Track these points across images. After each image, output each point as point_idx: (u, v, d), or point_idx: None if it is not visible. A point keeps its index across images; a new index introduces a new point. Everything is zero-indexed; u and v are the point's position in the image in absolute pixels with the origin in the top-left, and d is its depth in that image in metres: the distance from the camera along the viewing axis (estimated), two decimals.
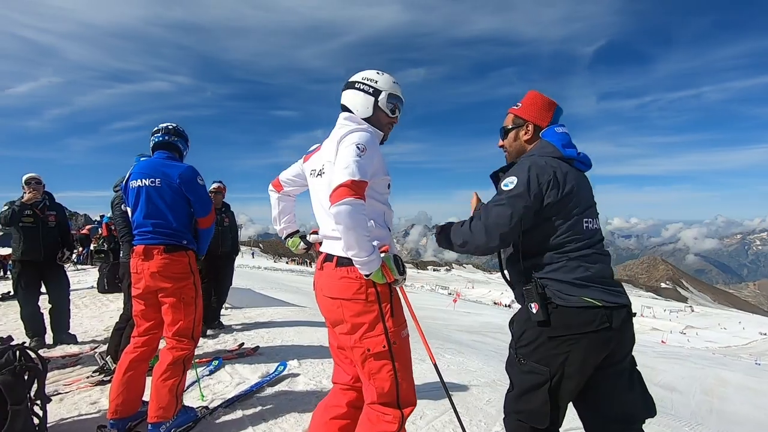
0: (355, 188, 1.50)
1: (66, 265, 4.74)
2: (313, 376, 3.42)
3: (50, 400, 2.35)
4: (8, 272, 12.90)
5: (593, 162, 1.80)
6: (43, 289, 4.51)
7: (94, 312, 6.24)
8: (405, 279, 1.69)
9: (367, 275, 1.57)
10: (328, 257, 1.73)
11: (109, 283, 7.83)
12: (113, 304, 6.80)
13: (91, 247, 13.99)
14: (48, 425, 2.33)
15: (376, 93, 1.83)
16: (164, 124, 2.71)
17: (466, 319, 19.19)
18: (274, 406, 2.86)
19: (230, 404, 2.83)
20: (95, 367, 3.54)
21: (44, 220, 4.35)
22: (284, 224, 2.20)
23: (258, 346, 4.15)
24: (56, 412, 2.75)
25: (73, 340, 4.44)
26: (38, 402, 2.24)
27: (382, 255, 1.61)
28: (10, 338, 2.52)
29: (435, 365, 2.04)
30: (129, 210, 2.66)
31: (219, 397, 2.99)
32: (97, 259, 11.20)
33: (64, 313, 4.54)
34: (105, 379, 3.26)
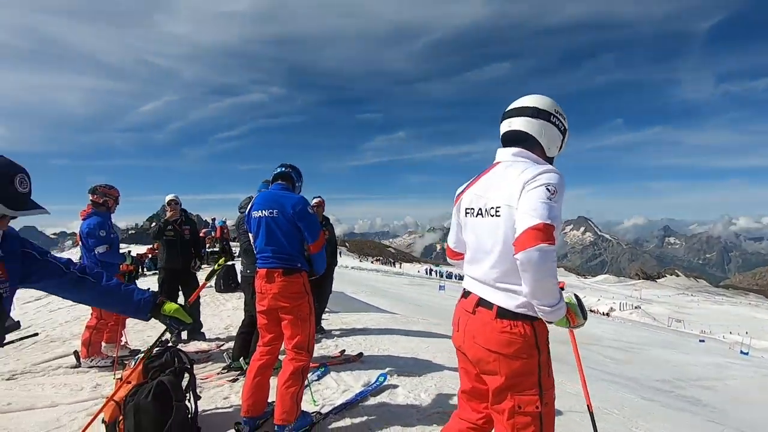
0: (547, 233, 1.38)
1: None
2: (411, 389, 3.58)
3: (200, 397, 2.80)
4: (144, 269, 15.19)
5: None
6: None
7: (213, 310, 7.11)
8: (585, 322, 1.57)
9: (549, 322, 1.48)
10: (484, 303, 1.63)
11: (224, 284, 8.85)
12: (229, 303, 7.68)
13: (207, 249, 15.87)
14: (198, 415, 2.79)
15: (564, 132, 1.71)
16: (284, 163, 3.09)
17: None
18: (378, 417, 3.07)
19: (339, 411, 3.10)
20: (223, 365, 4.09)
21: (181, 234, 5.12)
22: None
23: (362, 354, 4.42)
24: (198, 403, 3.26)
25: (202, 337, 5.16)
26: (189, 397, 2.71)
27: (565, 297, 1.50)
28: (167, 341, 3.06)
29: (591, 416, 2.03)
30: (251, 235, 3.07)
31: (328, 402, 3.29)
32: (211, 260, 12.67)
33: (197, 314, 5.29)
34: (236, 376, 3.77)
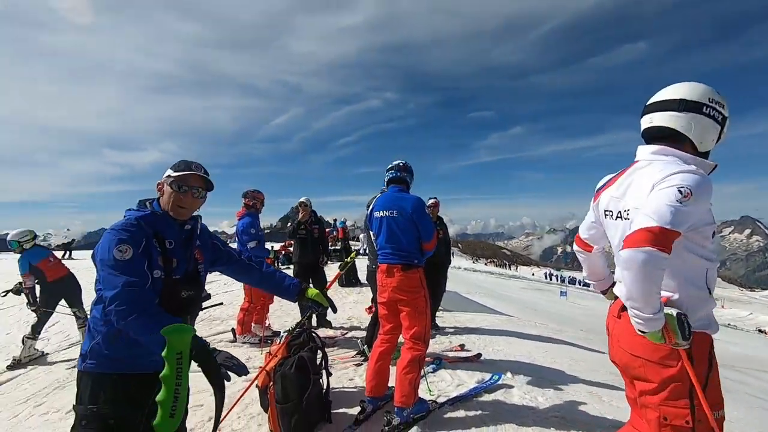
0: (661, 238, 1.29)
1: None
2: (527, 391, 3.53)
3: (331, 374, 3.20)
4: (279, 264, 17.21)
5: None
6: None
7: (337, 302, 7.80)
8: (689, 345, 1.40)
9: (641, 332, 1.40)
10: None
11: (346, 279, 9.62)
12: (350, 297, 8.34)
13: (330, 247, 17.35)
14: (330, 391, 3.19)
15: (723, 121, 1.54)
16: (396, 162, 3.32)
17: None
18: (492, 413, 3.11)
19: (453, 403, 3.23)
20: (351, 350, 4.53)
21: (311, 233, 5.78)
22: (595, 283, 2.11)
23: (480, 354, 4.48)
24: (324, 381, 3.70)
25: (329, 325, 5.75)
26: (326, 373, 3.12)
27: (667, 311, 1.39)
28: (303, 323, 3.54)
29: None
30: (373, 233, 3.37)
31: (443, 394, 3.44)
32: (333, 257, 13.80)
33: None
34: (360, 361, 4.17)
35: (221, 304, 3.09)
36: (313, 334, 3.37)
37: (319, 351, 3.15)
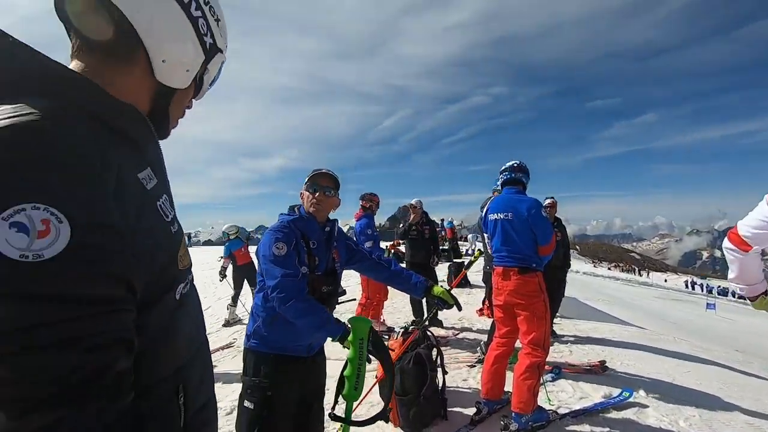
0: None
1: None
2: (667, 413, 3.16)
3: (447, 372, 3.28)
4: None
5: None
6: None
7: None
8: None
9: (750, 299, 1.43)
10: None
11: (455, 278, 9.60)
12: (459, 298, 8.27)
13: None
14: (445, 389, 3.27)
15: None
16: (510, 163, 3.24)
17: None
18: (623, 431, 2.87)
19: (577, 416, 3.05)
20: (463, 351, 4.56)
21: (422, 233, 5.92)
22: (746, 288, 1.94)
23: (605, 362, 4.15)
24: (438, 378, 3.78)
25: (440, 324, 5.83)
26: (442, 370, 3.21)
27: None
28: (418, 321, 3.68)
29: None
30: (487, 236, 3.35)
31: (564, 405, 3.26)
32: (443, 258, 13.85)
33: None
34: (473, 362, 4.17)
35: (354, 299, 3.38)
36: (428, 332, 3.48)
37: (434, 348, 3.25)
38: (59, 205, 0.45)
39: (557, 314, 6.28)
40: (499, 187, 3.34)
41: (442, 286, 2.14)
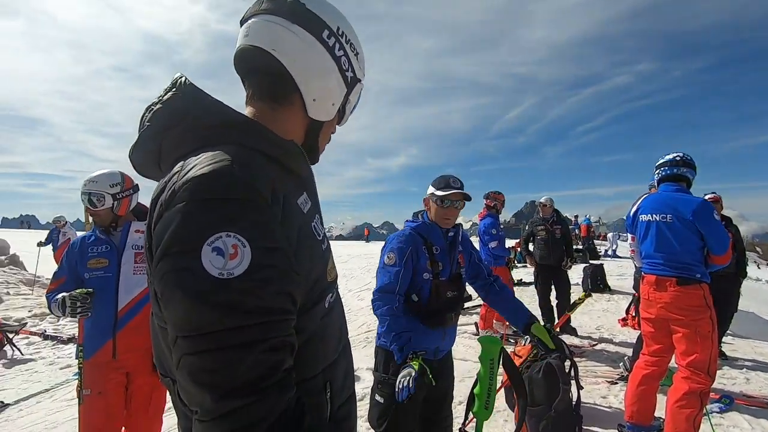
0: None
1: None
2: None
3: (582, 387, 3.01)
4: (517, 261, 17.02)
5: None
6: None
7: (583, 309, 7.13)
8: None
9: None
10: None
11: (591, 283, 8.70)
12: (597, 305, 7.49)
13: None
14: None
15: None
16: (670, 156, 2.78)
17: None
18: None
19: None
20: (601, 364, 4.12)
21: (553, 233, 5.51)
22: None
23: None
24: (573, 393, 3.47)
25: (574, 332, 5.36)
26: (576, 385, 2.96)
27: None
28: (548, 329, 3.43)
29: None
30: (633, 236, 2.95)
31: None
32: (577, 258, 12.66)
33: (566, 308, 5.54)
34: (615, 379, 3.75)
35: (480, 306, 3.33)
36: (562, 342, 3.23)
37: (567, 360, 3.00)
38: (243, 232, 0.57)
39: (727, 332, 5.25)
40: (656, 184, 2.92)
41: (545, 326, 2.03)
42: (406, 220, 2.12)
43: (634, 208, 2.89)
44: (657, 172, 2.83)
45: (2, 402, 3.72)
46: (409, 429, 1.90)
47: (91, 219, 2.23)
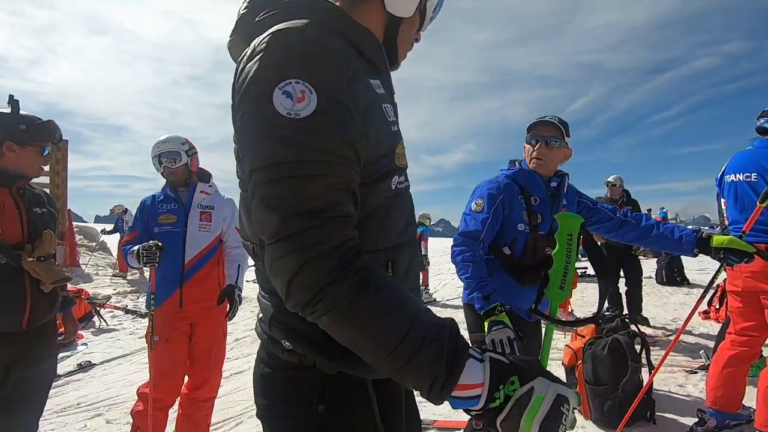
0: None
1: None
2: None
3: (653, 366, 2.74)
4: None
5: None
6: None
7: (657, 301, 6.56)
8: None
9: None
10: None
11: (666, 276, 7.97)
12: (673, 297, 6.85)
13: None
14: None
15: None
16: None
17: None
18: None
19: None
20: (677, 354, 3.75)
21: None
22: None
23: None
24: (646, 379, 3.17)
25: (646, 322, 4.93)
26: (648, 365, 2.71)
27: None
28: (615, 309, 3.18)
29: None
30: (724, 201, 2.62)
31: None
32: (649, 252, 11.66)
33: (637, 298, 5.11)
34: (695, 369, 3.41)
35: (586, 269, 3.11)
36: (628, 321, 2.98)
37: (638, 338, 2.75)
38: (312, 81, 0.62)
39: None
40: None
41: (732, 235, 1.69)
42: (501, 169, 1.91)
43: (722, 169, 2.57)
44: (758, 121, 2.49)
45: (90, 362, 4.14)
46: None
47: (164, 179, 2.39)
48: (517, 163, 1.88)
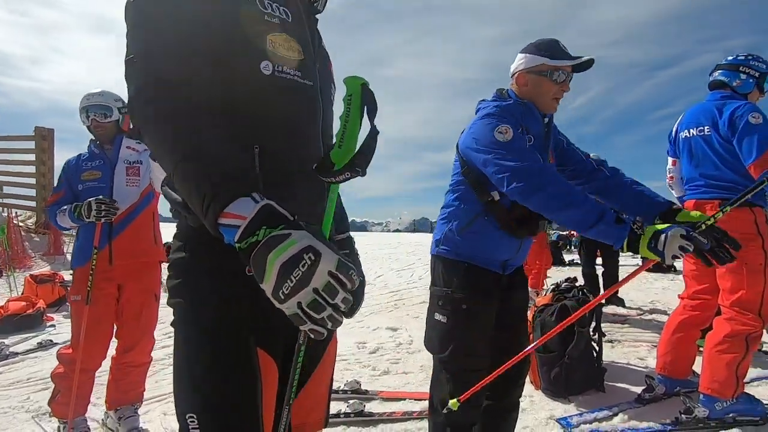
0: None
1: None
2: None
3: (605, 335, 2.66)
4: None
5: None
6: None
7: (639, 286, 6.42)
8: None
9: None
10: None
11: (655, 265, 7.85)
12: (657, 283, 6.74)
13: None
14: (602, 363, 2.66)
15: None
16: (731, 56, 2.33)
17: None
18: None
19: None
20: (647, 331, 3.67)
21: None
22: None
23: None
24: (608, 354, 3.08)
25: (621, 303, 4.84)
26: (597, 335, 2.62)
27: None
28: (575, 279, 3.08)
29: None
30: (673, 160, 2.53)
31: None
32: None
33: (613, 279, 5.02)
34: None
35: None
36: (586, 291, 2.88)
37: (593, 308, 2.65)
38: None
39: None
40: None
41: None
42: (483, 100, 1.62)
43: (676, 126, 2.47)
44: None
45: (51, 341, 4.09)
46: (480, 353, 1.51)
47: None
48: (505, 92, 1.60)
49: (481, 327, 1.51)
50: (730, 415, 2.01)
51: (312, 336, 0.63)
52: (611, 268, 5.05)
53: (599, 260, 5.19)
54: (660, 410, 2.22)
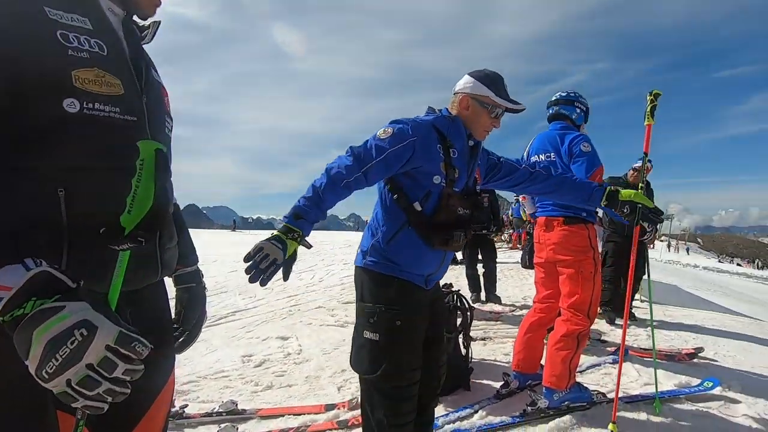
0: None
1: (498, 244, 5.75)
2: (763, 412, 2.43)
3: (474, 339, 2.91)
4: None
5: None
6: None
7: (516, 282, 7.22)
8: None
9: None
10: None
11: (530, 260, 8.82)
12: (531, 279, 7.58)
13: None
14: (472, 359, 2.91)
15: None
16: (556, 95, 2.72)
17: None
18: (694, 425, 2.26)
19: (633, 401, 2.49)
20: (515, 327, 4.09)
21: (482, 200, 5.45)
22: None
23: (700, 350, 3.40)
24: (479, 351, 3.39)
25: (498, 301, 5.35)
26: (464, 337, 2.85)
27: None
28: (451, 285, 3.32)
29: None
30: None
31: (623, 390, 2.69)
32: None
33: (492, 278, 5.53)
34: None
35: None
36: (461, 297, 3.12)
37: (459, 311, 2.88)
38: None
39: (642, 298, 5.40)
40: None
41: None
42: (418, 116, 1.63)
43: (527, 150, 2.80)
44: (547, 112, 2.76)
45: None
46: (415, 366, 1.50)
47: None
48: (437, 110, 1.66)
49: (416, 341, 1.52)
50: (565, 403, 2.34)
51: (89, 412, 0.60)
52: (491, 267, 5.55)
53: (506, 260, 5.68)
54: (513, 404, 2.50)
